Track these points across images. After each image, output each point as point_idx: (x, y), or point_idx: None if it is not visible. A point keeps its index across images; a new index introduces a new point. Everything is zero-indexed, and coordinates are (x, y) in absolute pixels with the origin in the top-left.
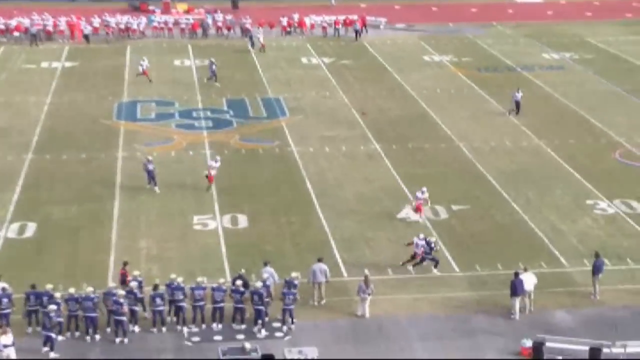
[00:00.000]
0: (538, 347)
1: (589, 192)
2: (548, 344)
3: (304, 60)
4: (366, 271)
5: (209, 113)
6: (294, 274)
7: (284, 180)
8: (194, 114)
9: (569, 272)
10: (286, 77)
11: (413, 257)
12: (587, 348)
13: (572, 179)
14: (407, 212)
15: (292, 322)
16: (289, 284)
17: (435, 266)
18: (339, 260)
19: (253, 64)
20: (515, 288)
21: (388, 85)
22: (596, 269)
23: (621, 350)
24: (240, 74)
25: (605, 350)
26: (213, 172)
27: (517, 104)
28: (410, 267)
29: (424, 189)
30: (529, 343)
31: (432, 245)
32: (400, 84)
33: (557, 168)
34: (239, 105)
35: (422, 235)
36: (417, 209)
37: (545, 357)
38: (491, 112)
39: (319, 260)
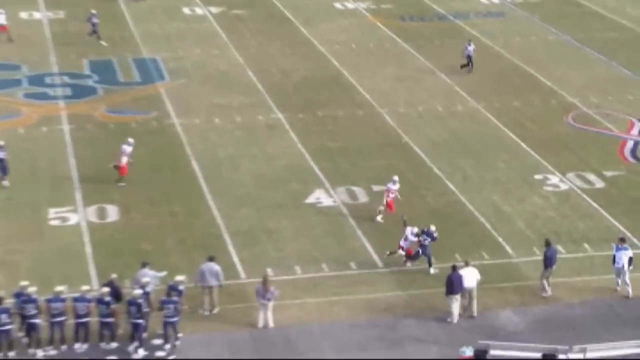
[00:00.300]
0: (480, 355)
1: (538, 165)
2: (492, 352)
3: (186, 10)
4: (268, 271)
5: (66, 79)
6: (178, 278)
7: (164, 161)
8: (48, 80)
9: (516, 264)
10: (164, 32)
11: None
12: (539, 355)
13: (518, 149)
14: (318, 196)
15: (177, 338)
16: (172, 290)
17: (412, 260)
18: (235, 259)
19: (122, 15)
20: (452, 285)
21: (292, 40)
22: (548, 260)
23: (580, 355)
24: (107, 29)
25: (560, 356)
26: (126, 160)
27: (469, 59)
28: (408, 264)
29: (396, 177)
30: (469, 351)
31: (435, 235)
32: (307, 39)
33: (499, 137)
34: (105, 67)
35: (415, 230)
36: (388, 206)
37: None
38: (419, 70)
39: (210, 259)
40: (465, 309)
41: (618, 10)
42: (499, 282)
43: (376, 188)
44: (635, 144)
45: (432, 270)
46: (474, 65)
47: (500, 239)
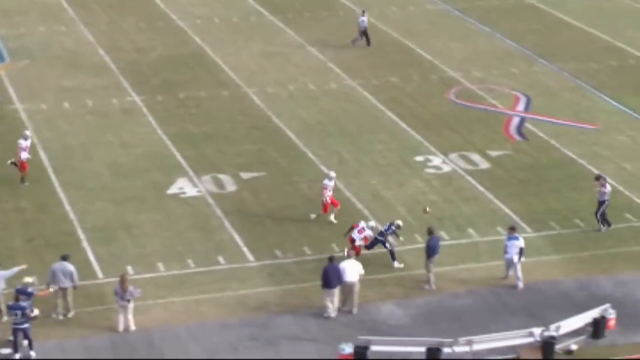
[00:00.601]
0: (361, 352)
1: (419, 146)
2: (374, 348)
3: None
4: (128, 269)
5: None
6: (27, 279)
7: (7, 152)
8: None
9: (397, 252)
10: (2, 7)
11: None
12: (423, 349)
13: (397, 129)
14: (181, 186)
15: (30, 346)
16: (20, 294)
17: (393, 258)
18: (91, 257)
19: None
20: (329, 278)
21: (147, 14)
22: (430, 250)
23: (466, 348)
24: None
25: (446, 349)
26: (25, 156)
27: (365, 32)
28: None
29: (333, 173)
30: (349, 348)
31: (393, 228)
32: (164, 13)
33: (377, 116)
34: None
35: (371, 223)
36: (327, 206)
37: None
38: (288, 45)
39: (63, 258)
40: (345, 304)
41: None
42: (380, 273)
43: (245, 175)
44: (521, 120)
45: (395, 264)
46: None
47: (380, 227)
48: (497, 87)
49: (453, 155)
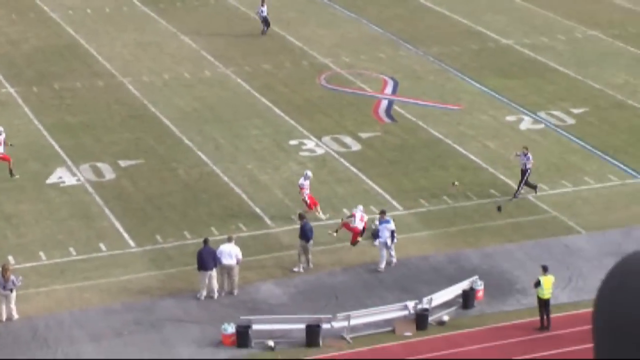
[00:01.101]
0: (243, 332)
1: (292, 130)
2: (255, 327)
3: None
4: (9, 259)
5: None
6: None
7: None
8: None
9: (275, 234)
10: None
11: (356, 233)
12: (303, 326)
13: (270, 114)
14: (60, 175)
15: None
16: None
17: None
18: None
19: None
20: (204, 259)
21: (17, 6)
22: (305, 235)
23: (344, 323)
24: None
25: (325, 325)
26: (2, 150)
27: (266, 21)
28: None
29: (309, 172)
30: (231, 328)
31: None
32: (35, 4)
33: (251, 102)
34: None
35: (360, 207)
36: (310, 204)
37: (253, 344)
38: (161, 34)
39: None
40: (225, 285)
41: None
42: (258, 254)
43: (123, 163)
44: (390, 103)
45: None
46: (265, 29)
47: (257, 210)
48: (366, 72)
49: (326, 139)
